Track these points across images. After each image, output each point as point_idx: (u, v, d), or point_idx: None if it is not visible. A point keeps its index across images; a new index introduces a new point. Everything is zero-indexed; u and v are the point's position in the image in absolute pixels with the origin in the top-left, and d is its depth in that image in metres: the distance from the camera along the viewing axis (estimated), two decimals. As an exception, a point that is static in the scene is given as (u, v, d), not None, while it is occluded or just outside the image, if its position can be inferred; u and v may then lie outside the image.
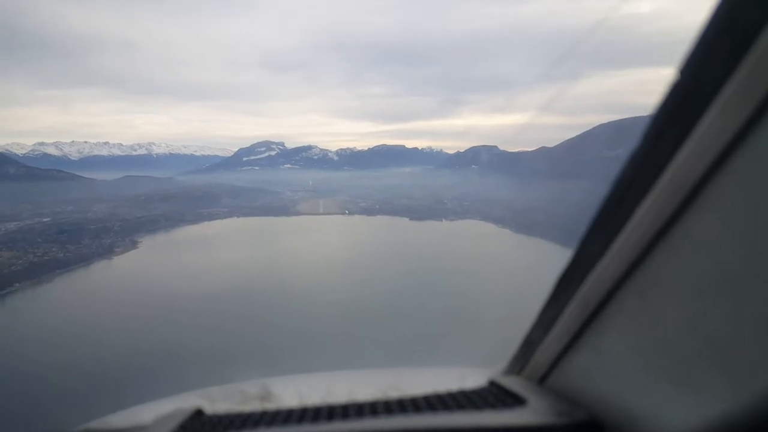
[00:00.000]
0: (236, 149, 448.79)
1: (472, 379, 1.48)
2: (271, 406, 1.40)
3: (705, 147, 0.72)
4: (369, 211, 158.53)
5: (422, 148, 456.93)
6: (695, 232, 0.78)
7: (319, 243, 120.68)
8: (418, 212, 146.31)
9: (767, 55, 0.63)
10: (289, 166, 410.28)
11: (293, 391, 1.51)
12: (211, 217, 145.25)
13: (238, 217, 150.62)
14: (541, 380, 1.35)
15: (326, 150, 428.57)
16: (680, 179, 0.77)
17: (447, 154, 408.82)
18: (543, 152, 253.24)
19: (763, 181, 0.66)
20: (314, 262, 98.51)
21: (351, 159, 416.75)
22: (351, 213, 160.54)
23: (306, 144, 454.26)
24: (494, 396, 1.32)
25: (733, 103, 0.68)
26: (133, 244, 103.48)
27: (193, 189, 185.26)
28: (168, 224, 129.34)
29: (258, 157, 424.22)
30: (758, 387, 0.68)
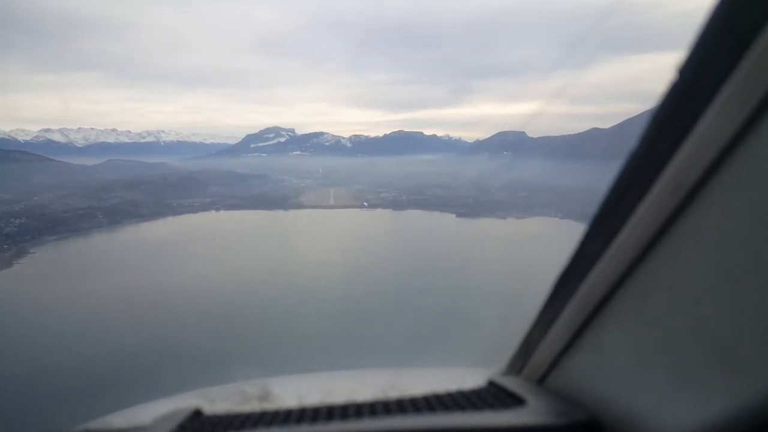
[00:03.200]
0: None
1: (472, 379, 1.43)
2: (270, 406, 1.36)
3: (705, 146, 0.71)
4: (395, 204, 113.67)
5: (441, 136, 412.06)
6: (695, 231, 0.76)
7: (327, 251, 75.93)
8: (463, 206, 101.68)
9: (767, 55, 0.62)
10: (298, 152, 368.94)
11: (292, 392, 1.46)
12: (180, 211, 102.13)
13: (217, 210, 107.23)
14: (541, 380, 1.32)
15: (339, 136, 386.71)
16: (680, 178, 0.76)
17: (466, 142, 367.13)
18: (594, 134, 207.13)
19: (763, 180, 0.65)
20: (317, 290, 54.15)
21: (366, 146, 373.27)
22: (372, 206, 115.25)
23: (318, 131, 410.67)
24: (493, 396, 1.28)
25: (732, 102, 0.66)
26: (13, 258, 59.44)
27: (177, 175, 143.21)
28: (109, 221, 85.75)
29: (266, 143, 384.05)
30: (758, 386, 0.67)
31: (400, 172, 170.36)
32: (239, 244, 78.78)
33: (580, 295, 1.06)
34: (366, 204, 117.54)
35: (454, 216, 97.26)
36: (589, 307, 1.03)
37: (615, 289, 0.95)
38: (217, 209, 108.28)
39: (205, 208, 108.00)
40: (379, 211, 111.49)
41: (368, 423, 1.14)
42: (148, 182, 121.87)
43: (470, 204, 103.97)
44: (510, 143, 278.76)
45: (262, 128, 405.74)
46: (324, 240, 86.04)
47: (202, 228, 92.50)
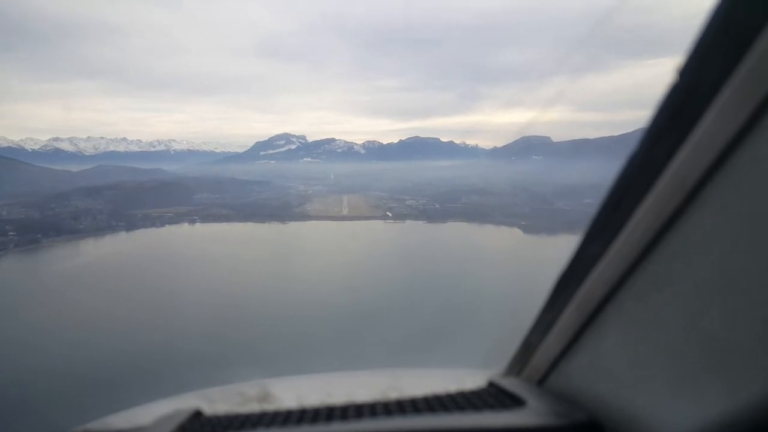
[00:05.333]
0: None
1: (472, 380, 1.42)
2: (270, 407, 1.34)
3: (704, 148, 0.70)
4: (428, 214, 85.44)
5: (457, 143, 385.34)
6: (694, 233, 0.75)
7: (339, 278, 47.73)
8: (520, 216, 73.18)
9: (767, 55, 0.61)
10: (309, 159, 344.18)
11: (292, 393, 1.43)
12: (141, 224, 74.81)
13: (192, 222, 79.19)
14: (541, 381, 1.30)
15: (352, 143, 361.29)
16: (679, 181, 0.74)
17: (484, 149, 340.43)
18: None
19: (762, 182, 0.63)
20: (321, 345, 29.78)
21: (380, 152, 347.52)
22: (398, 217, 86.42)
23: (329, 137, 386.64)
24: (493, 397, 1.27)
25: (732, 103, 0.65)
26: None
27: (161, 180, 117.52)
28: (21, 240, 58.78)
29: (276, 150, 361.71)
30: (756, 388, 0.66)
31: (422, 178, 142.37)
32: (206, 273, 50.78)
33: (580, 297, 1.05)
34: (390, 214, 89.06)
35: (519, 231, 68.31)
36: (589, 309, 1.03)
37: (614, 291, 0.95)
38: (193, 221, 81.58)
39: (177, 219, 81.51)
40: (409, 223, 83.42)
41: (368, 424, 1.13)
42: (120, 188, 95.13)
43: (528, 214, 75.31)
44: (536, 147, 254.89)
45: (272, 135, 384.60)
46: (335, 262, 57.74)
47: (158, 249, 65.28)
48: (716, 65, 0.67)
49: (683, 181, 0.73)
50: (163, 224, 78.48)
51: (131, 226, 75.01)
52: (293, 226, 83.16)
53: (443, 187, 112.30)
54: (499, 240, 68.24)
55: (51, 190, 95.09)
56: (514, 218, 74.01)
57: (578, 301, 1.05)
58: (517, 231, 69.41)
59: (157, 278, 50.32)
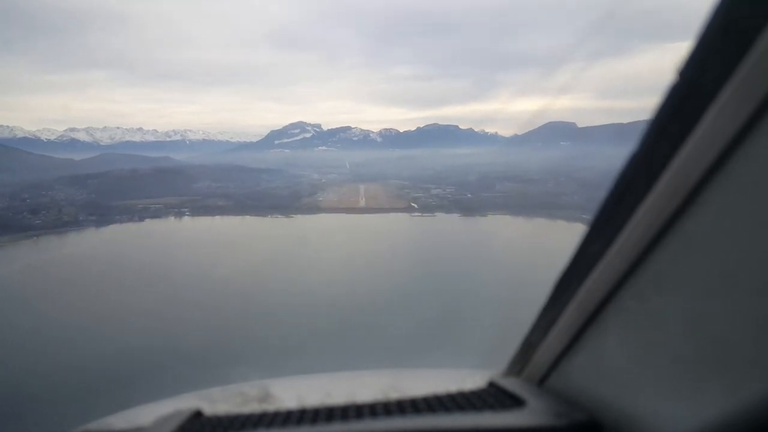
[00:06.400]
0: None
1: (472, 380, 1.41)
2: (270, 407, 1.33)
3: (704, 148, 0.69)
4: (460, 205, 71.68)
5: (477, 131, 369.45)
6: (695, 233, 0.74)
7: (359, 300, 34.36)
8: (575, 208, 60.03)
9: (767, 55, 0.60)
10: (324, 148, 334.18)
11: (292, 393, 1.43)
12: (119, 217, 62.43)
13: (179, 216, 66.80)
14: (541, 381, 1.30)
15: (368, 131, 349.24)
16: (680, 180, 0.74)
17: (504, 137, 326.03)
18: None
19: (763, 182, 0.63)
20: None
21: (396, 140, 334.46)
22: (425, 209, 72.51)
23: (345, 125, 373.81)
24: (494, 397, 1.26)
25: (733, 103, 0.65)
26: None
27: (159, 168, 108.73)
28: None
29: (291, 139, 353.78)
30: (757, 389, 0.66)
31: (443, 165, 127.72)
32: (179, 284, 38.35)
33: (581, 297, 1.04)
34: (415, 206, 75.42)
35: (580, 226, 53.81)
36: (590, 309, 1.02)
37: (615, 290, 0.94)
38: (181, 214, 69.22)
39: (164, 212, 69.17)
40: (440, 216, 69.36)
41: (368, 424, 1.13)
42: (108, 177, 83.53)
43: (584, 205, 61.02)
44: (562, 133, 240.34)
45: (287, 124, 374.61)
46: (352, 268, 44.64)
47: (126, 250, 52.35)
48: (716, 65, 0.67)
49: (684, 180, 0.73)
50: (144, 218, 66.68)
51: (104, 220, 63.03)
52: (300, 219, 70.21)
53: (470, 174, 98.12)
54: (564, 240, 53.94)
55: (36, 179, 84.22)
56: (568, 210, 59.93)
57: (579, 301, 1.05)
58: (578, 227, 55.05)
59: (115, 289, 38.59)
